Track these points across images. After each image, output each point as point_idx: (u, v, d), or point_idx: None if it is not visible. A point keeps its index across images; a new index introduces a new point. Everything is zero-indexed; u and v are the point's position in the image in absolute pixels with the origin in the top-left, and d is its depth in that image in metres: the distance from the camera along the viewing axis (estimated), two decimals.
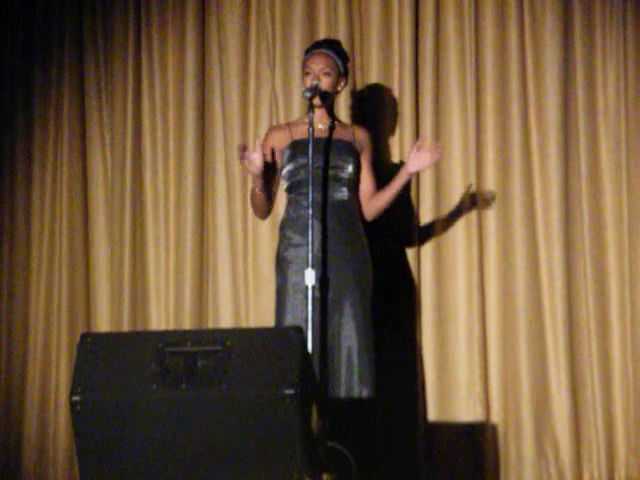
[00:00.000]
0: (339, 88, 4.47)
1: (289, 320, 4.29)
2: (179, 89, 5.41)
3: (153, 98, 5.46)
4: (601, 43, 5.01)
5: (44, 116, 5.61)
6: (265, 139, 4.48)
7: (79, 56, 5.57)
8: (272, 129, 4.56)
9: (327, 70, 4.40)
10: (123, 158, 5.44)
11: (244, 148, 4.21)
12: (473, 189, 5.03)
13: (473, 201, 5.03)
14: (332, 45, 4.50)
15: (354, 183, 4.45)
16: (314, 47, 4.50)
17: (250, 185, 4.47)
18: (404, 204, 4.95)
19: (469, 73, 5.09)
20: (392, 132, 5.11)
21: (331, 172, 4.38)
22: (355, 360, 4.26)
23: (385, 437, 4.35)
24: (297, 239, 4.36)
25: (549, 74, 5.02)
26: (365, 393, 4.24)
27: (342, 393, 4.23)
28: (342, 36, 5.11)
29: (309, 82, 4.36)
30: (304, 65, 4.44)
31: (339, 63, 4.44)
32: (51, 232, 5.57)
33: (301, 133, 4.41)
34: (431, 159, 4.31)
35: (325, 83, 4.38)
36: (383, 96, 5.14)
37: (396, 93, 5.12)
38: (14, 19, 5.67)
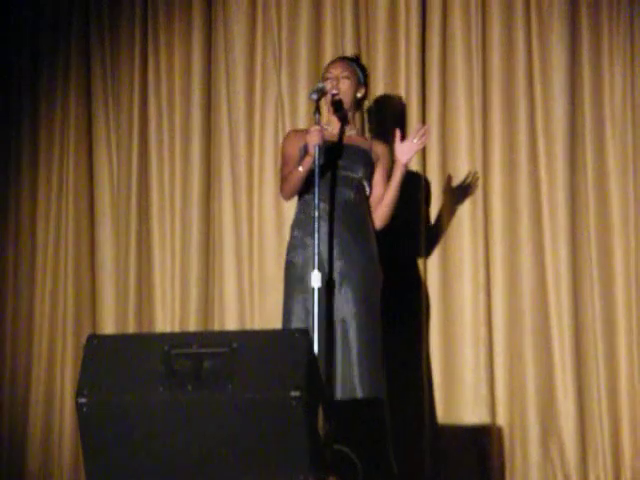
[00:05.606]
0: (359, 95, 4.53)
1: (295, 322, 4.30)
2: (185, 92, 5.42)
3: (159, 101, 5.47)
4: (608, 46, 5.01)
5: (50, 118, 5.61)
6: (288, 141, 4.51)
7: (86, 59, 5.59)
8: (291, 132, 4.62)
9: (346, 74, 4.47)
10: (129, 161, 5.45)
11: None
12: (479, 192, 5.02)
13: (479, 203, 5.03)
14: (352, 57, 4.63)
15: (364, 187, 4.45)
16: (335, 59, 4.62)
17: (289, 171, 4.40)
18: (410, 207, 4.94)
19: (476, 76, 5.08)
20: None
21: (342, 173, 4.40)
22: (363, 362, 4.25)
23: (392, 439, 4.34)
24: (305, 240, 4.36)
25: (556, 77, 5.01)
26: (372, 395, 4.23)
27: (348, 395, 4.23)
28: (348, 38, 5.14)
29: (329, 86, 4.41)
30: (324, 72, 4.53)
31: (358, 70, 4.53)
32: (57, 234, 5.57)
33: None
34: (418, 144, 4.35)
35: (344, 86, 4.45)
36: (390, 98, 5.14)
37: (403, 96, 5.12)
38: (21, 23, 5.68)
